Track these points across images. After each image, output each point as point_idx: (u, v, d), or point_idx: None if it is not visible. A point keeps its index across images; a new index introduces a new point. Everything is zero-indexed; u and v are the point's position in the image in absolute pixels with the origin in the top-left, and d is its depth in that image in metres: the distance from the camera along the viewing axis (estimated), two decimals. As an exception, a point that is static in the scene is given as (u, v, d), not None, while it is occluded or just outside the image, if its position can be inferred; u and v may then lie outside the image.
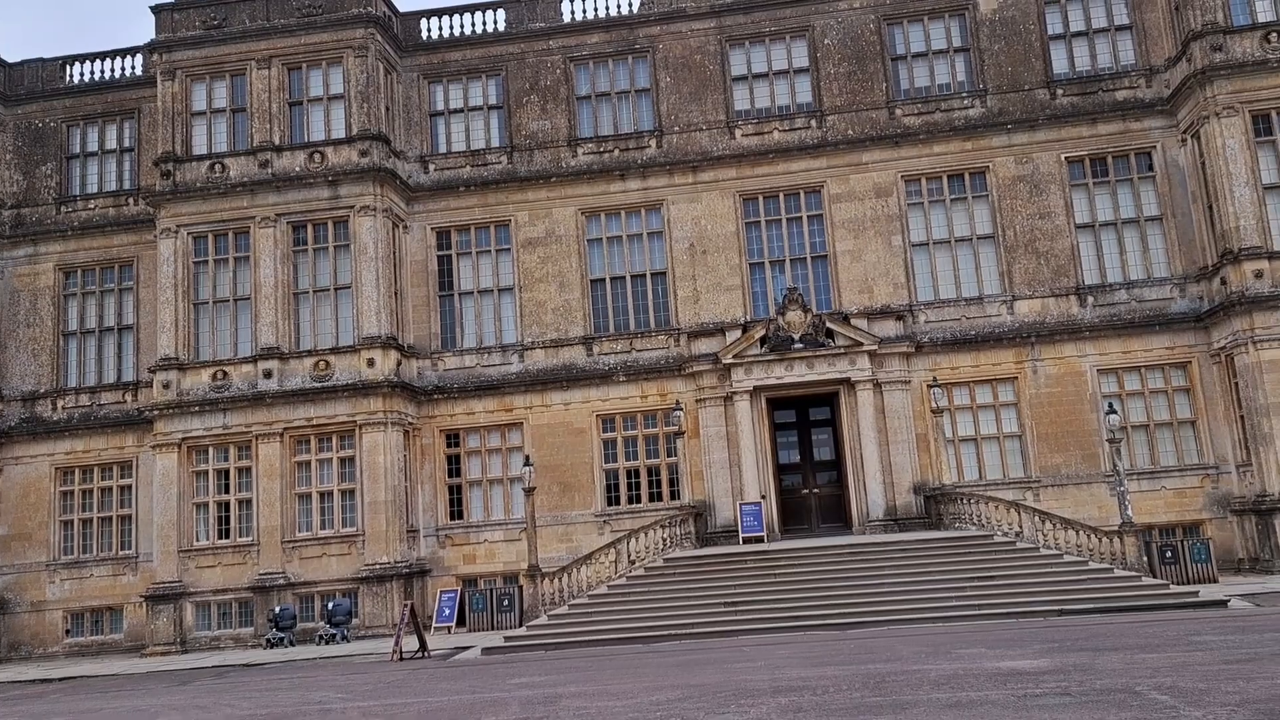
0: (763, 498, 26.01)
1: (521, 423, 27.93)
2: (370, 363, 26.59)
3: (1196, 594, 19.30)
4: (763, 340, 26.60)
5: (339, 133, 28.15)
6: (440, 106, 30.15)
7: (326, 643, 24.27)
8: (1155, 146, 26.96)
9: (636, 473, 27.57)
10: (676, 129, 28.93)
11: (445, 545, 27.58)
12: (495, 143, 29.75)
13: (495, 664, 18.01)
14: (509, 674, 16.03)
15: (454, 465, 28.20)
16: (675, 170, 28.56)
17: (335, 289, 27.49)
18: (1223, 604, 18.47)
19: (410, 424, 27.56)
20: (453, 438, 28.27)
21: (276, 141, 28.02)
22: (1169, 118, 26.83)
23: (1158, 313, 26.25)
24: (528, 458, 24.48)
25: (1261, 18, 25.59)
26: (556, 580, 22.62)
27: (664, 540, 23.91)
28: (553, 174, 28.98)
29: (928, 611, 19.36)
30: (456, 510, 27.94)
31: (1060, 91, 27.51)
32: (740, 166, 28.38)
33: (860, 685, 11.96)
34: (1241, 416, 24.77)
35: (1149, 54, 27.40)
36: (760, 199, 28.40)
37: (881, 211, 27.74)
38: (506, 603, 24.36)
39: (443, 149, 29.91)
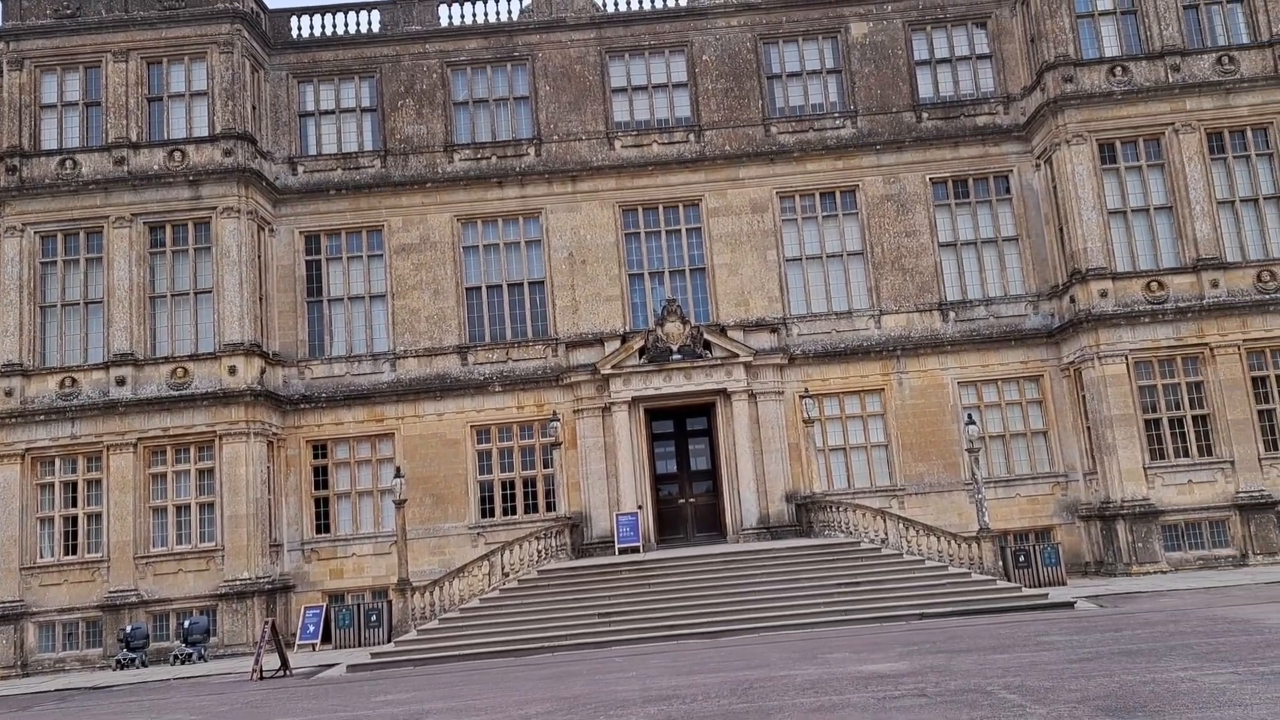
0: (639, 508, 26.08)
1: (393, 433, 27.30)
2: (232, 370, 25.56)
3: (1046, 596, 20.21)
4: (641, 351, 26.71)
5: (201, 131, 27.04)
6: (311, 107, 29.31)
7: (182, 662, 23.16)
8: (1012, 170, 28.26)
9: (512, 484, 27.27)
10: (556, 138, 28.85)
11: (311, 560, 26.70)
12: (368, 146, 29.08)
13: (360, 681, 17.49)
14: (374, 691, 15.58)
15: (321, 477, 27.35)
16: (554, 179, 28.47)
17: (196, 293, 26.34)
18: (1070, 605, 19.40)
19: (275, 434, 26.60)
20: (320, 449, 27.41)
21: (134, 138, 26.73)
22: (1025, 143, 28.18)
23: (1013, 328, 27.48)
24: (398, 469, 23.93)
25: (1108, 52, 27.13)
26: (428, 594, 22.15)
27: (539, 552, 23.70)
28: (428, 179, 28.50)
29: (798, 618, 19.71)
30: (323, 524, 27.08)
31: (926, 115, 28.59)
32: (620, 177, 28.48)
33: (729, 692, 12.06)
34: (1088, 428, 26.13)
35: (1007, 82, 28.72)
36: (640, 210, 28.56)
37: (758, 226, 28.25)
38: (375, 618, 23.71)
39: (313, 151, 29.07)
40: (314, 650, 23.89)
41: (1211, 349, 25.31)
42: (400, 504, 23.04)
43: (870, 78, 28.85)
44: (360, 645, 23.34)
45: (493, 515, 27.02)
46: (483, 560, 22.90)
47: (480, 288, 28.27)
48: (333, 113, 29.29)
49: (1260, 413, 25.18)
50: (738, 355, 26.53)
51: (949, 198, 28.29)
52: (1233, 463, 24.84)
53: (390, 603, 23.11)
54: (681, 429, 28.36)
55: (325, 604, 25.43)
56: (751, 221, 28.27)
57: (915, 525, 22.72)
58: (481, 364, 27.71)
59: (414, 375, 27.61)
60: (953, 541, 22.11)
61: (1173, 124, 26.34)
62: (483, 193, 28.50)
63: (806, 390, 26.40)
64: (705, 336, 26.65)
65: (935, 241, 28.00)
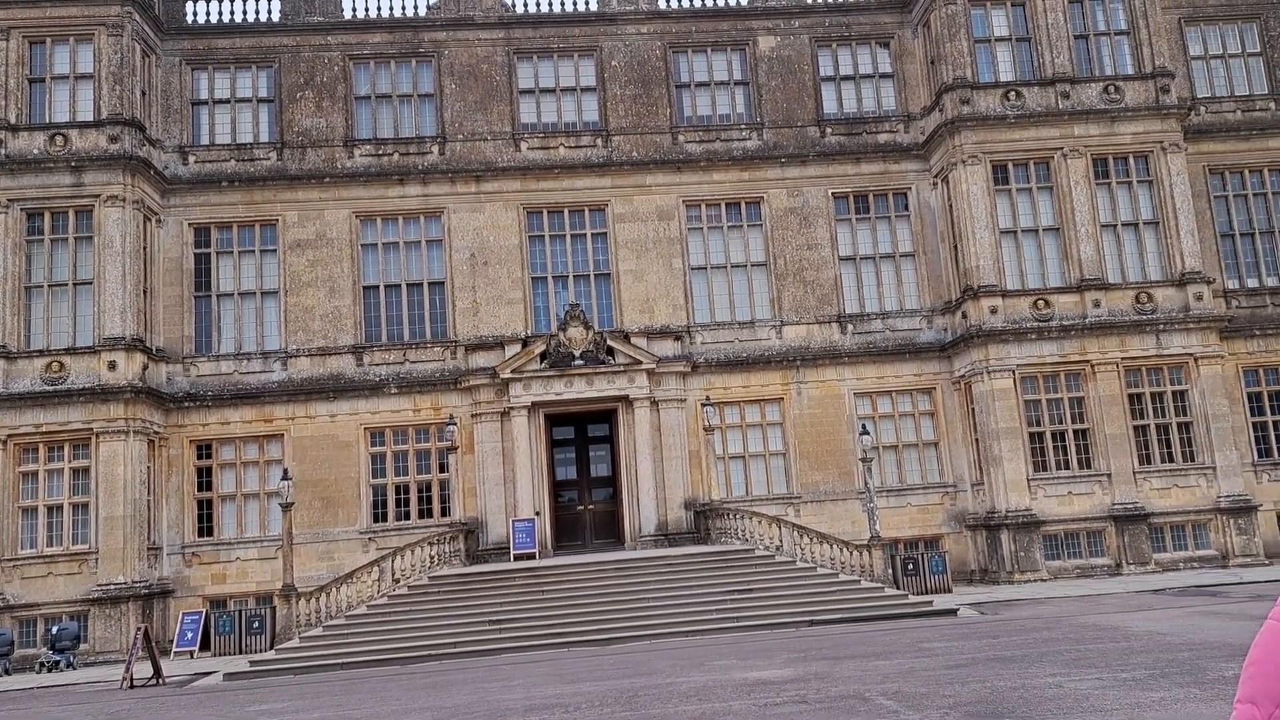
0: (537, 514, 25.81)
1: (283, 434, 26.48)
2: (112, 366, 24.47)
3: (931, 603, 20.62)
4: (543, 356, 26.47)
5: (86, 115, 25.88)
6: (205, 95, 28.34)
7: (49, 670, 22.02)
8: (911, 188, 28.90)
9: (406, 489, 26.71)
10: (461, 137, 28.45)
11: (192, 564, 25.70)
12: (264, 138, 28.24)
13: (237, 690, 16.84)
14: (249, 700, 15.01)
15: (205, 479, 26.37)
16: (458, 178, 28.06)
17: (75, 284, 25.17)
18: (953, 612, 19.82)
19: (156, 434, 25.55)
20: (204, 449, 26.44)
21: (13, 120, 25.44)
22: (923, 162, 28.85)
23: (908, 342, 28.08)
24: (286, 471, 23.18)
25: (1004, 77, 27.98)
26: (314, 600, 21.51)
27: (432, 558, 23.24)
28: (326, 174, 27.81)
29: (690, 625, 19.69)
30: (206, 527, 26.11)
31: (830, 130, 29.05)
32: (525, 179, 28.22)
33: (613, 701, 11.93)
34: (977, 439, 26.84)
35: (908, 102, 29.38)
36: (545, 213, 28.33)
37: (664, 234, 28.29)
38: (257, 625, 22.91)
39: (205, 140, 28.11)
40: (191, 658, 22.97)
41: (1093, 366, 26.25)
42: (287, 507, 22.32)
43: (777, 91, 29.18)
44: (241, 653, 22.51)
45: (385, 520, 26.42)
46: (372, 566, 22.34)
47: (378, 287, 27.67)
48: (228, 102, 28.36)
49: (1136, 428, 26.20)
50: (641, 362, 26.49)
51: (850, 212, 28.78)
52: (1110, 475, 25.78)
53: (274, 609, 22.35)
54: (583, 435, 28.20)
55: (205, 610, 24.48)
56: (658, 228, 28.30)
57: (809, 533, 22.97)
58: (378, 365, 27.11)
59: (306, 375, 26.84)
60: (845, 549, 22.41)
61: (1062, 148, 27.28)
62: (383, 190, 27.93)
63: (708, 398, 26.50)
64: (609, 342, 26.55)
65: (836, 255, 28.44)
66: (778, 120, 29.06)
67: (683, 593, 21.06)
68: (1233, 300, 28.44)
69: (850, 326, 28.09)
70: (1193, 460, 26.10)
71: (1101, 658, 12.41)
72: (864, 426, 24.67)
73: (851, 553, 22.31)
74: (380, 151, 28.25)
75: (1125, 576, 24.72)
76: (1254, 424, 27.88)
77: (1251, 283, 28.86)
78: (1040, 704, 9.53)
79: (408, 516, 26.48)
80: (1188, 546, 25.69)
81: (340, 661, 18.99)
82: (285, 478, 22.59)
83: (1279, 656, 2.32)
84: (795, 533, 22.97)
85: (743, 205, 28.74)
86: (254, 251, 27.61)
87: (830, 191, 28.67)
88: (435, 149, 28.33)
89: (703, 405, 26.23)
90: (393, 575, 22.31)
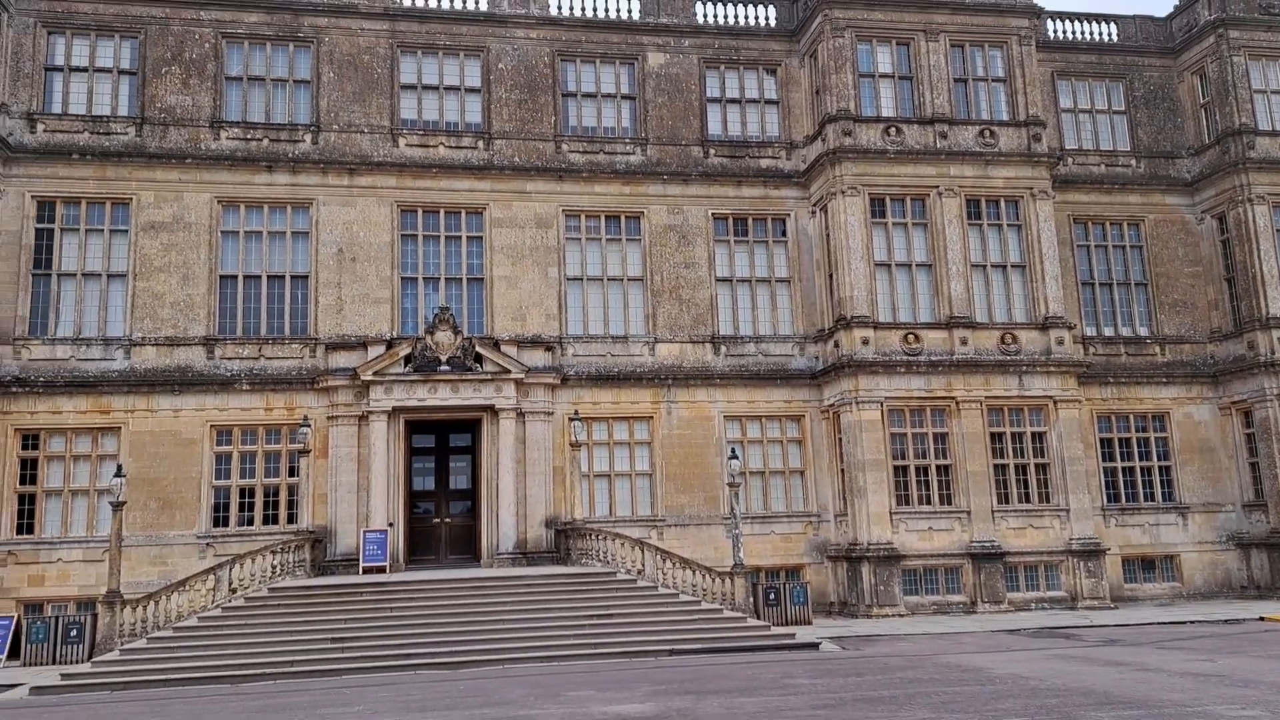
0: (390, 525, 24.69)
1: (120, 428, 24.64)
2: (-72, 344, 22.32)
3: (794, 636, 20.46)
4: (407, 359, 25.42)
5: (-82, 68, 23.69)
6: (60, 61, 26.33)
7: None
8: (790, 214, 29.04)
9: (252, 492, 25.18)
10: (336, 128, 27.21)
11: (7, 563, 23.58)
12: (123, 111, 26.41)
13: (41, 708, 15.31)
14: (51, 721, 13.60)
15: (30, 471, 24.31)
16: (330, 170, 26.80)
17: (-109, 252, 22.91)
18: (815, 646, 19.69)
19: (-24, 420, 23.43)
20: (31, 439, 24.39)
21: None
22: (803, 189, 29.03)
23: (780, 367, 28.12)
24: (120, 467, 21.49)
25: (885, 112, 28.43)
26: (140, 609, 19.94)
27: (274, 567, 21.90)
28: (189, 155, 26.14)
29: (546, 650, 18.99)
30: (27, 524, 24.04)
31: (713, 151, 28.96)
32: (401, 176, 27.16)
33: (454, 733, 11.16)
34: (843, 470, 27.02)
35: (791, 129, 29.56)
36: (420, 212, 27.32)
37: (541, 242, 27.64)
38: (75, 633, 21.04)
39: (57, 109, 26.10)
40: (-3, 668, 20.96)
41: (958, 403, 26.78)
42: (118, 506, 20.67)
43: (663, 108, 28.95)
44: (55, 663, 20.62)
45: (227, 525, 24.83)
46: (208, 574, 20.87)
47: (237, 277, 26.13)
48: (85, 70, 26.44)
49: (996, 467, 26.81)
50: (509, 371, 25.71)
51: (729, 234, 28.71)
52: (969, 513, 26.29)
53: (95, 616, 20.60)
54: (444, 445, 27.18)
55: (17, 615, 22.46)
56: (535, 236, 27.63)
57: (673, 558, 22.57)
58: (230, 359, 25.55)
59: (151, 365, 25.08)
60: (707, 576, 22.09)
61: (938, 186, 27.86)
62: (249, 176, 26.44)
63: (577, 413, 25.88)
64: (477, 349, 25.69)
65: (713, 275, 28.31)
66: (662, 137, 28.82)
67: (540, 615, 20.35)
68: (1090, 347, 29.53)
69: (724, 348, 27.96)
70: (1048, 501, 26.86)
71: (970, 701, 12.32)
72: (733, 450, 24.48)
73: (714, 580, 22.00)
74: (249, 136, 26.76)
75: (980, 614, 25.14)
76: (1105, 469, 28.92)
77: (1108, 331, 30.03)
78: (896, 750, 9.23)
79: (252, 522, 24.96)
80: (1040, 587, 26.36)
81: (164, 678, 17.56)
82: (118, 474, 20.94)
83: None
84: (658, 557, 22.54)
85: (623, 219, 28.35)
86: (103, 230, 25.72)
87: (711, 212, 28.55)
88: (308, 138, 27.01)
89: (571, 419, 25.57)
90: (230, 584, 20.91)
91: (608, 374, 27.10)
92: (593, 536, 23.71)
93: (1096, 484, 28.46)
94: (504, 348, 26.12)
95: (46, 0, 26.27)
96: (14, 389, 24.19)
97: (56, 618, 21.59)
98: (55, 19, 26.29)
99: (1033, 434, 27.18)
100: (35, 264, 25.19)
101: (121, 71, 26.64)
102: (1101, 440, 29.06)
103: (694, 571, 22.18)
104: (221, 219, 26.28)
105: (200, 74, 26.77)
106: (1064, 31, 31.62)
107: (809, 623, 23.50)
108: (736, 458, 23.81)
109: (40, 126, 25.75)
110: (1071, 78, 31.29)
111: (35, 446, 24.40)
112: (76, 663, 20.10)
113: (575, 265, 27.89)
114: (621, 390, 27.11)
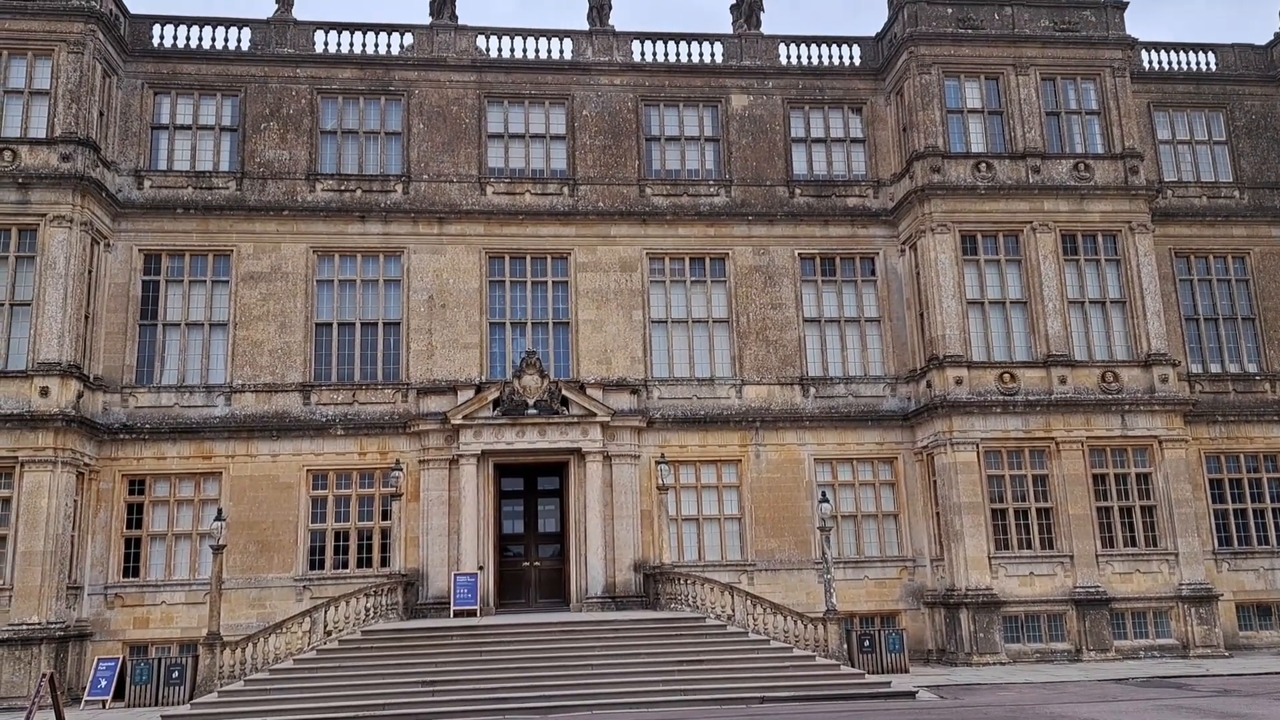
0: (480, 568, 24.80)
1: (220, 473, 25.32)
2: (44, 392, 23.30)
3: (889, 684, 19.84)
4: (496, 403, 25.67)
5: (39, 132, 25.00)
6: (165, 120, 27.53)
7: (-55, 717, 20.52)
8: (879, 253, 28.65)
9: (346, 535, 25.58)
10: (425, 177, 27.85)
11: (115, 606, 24.32)
12: (224, 166, 27.45)
13: (145, 749, 15.62)
14: (155, 763, 13.83)
15: (135, 515, 25.10)
16: (420, 219, 27.39)
17: (12, 305, 24.07)
18: (912, 695, 19.07)
19: (87, 465, 24.31)
20: (137, 484, 25.20)
21: (-42, 131, 24.48)
22: (892, 228, 28.65)
23: (871, 409, 27.60)
24: (220, 511, 22.04)
25: (975, 148, 27.96)
26: (239, 650, 20.30)
27: (368, 610, 22.15)
28: (286, 207, 27.01)
29: (636, 696, 18.74)
30: (133, 567, 24.79)
31: (798, 191, 28.81)
32: (489, 224, 27.62)
33: (547, 783, 11.01)
34: (938, 513, 26.30)
35: (878, 167, 29.26)
36: (507, 258, 27.72)
37: (625, 285, 27.75)
38: (176, 675, 21.57)
39: (163, 165, 27.25)
40: (104, 708, 21.57)
41: (1057, 443, 25.90)
42: (219, 549, 21.16)
43: (747, 149, 28.95)
44: (157, 704, 21.17)
45: (322, 568, 25.24)
46: (304, 616, 21.18)
47: (331, 324, 26.78)
48: (189, 128, 27.58)
49: (1099, 509, 25.80)
50: (595, 414, 25.74)
51: (816, 274, 28.44)
52: (1072, 557, 25.30)
53: (196, 658, 21.06)
54: (532, 488, 27.30)
55: (123, 656, 23.10)
56: (619, 280, 27.75)
57: (763, 603, 22.15)
58: (325, 405, 26.12)
59: (250, 412, 25.78)
60: (799, 622, 21.60)
61: (1031, 222, 27.22)
62: (343, 226, 27.18)
63: (663, 456, 25.74)
64: (563, 392, 25.81)
65: (800, 316, 28.03)
66: (746, 178, 28.79)
67: (630, 661, 20.12)
68: (1196, 384, 28.33)
69: (812, 390, 27.58)
70: (1155, 545, 25.72)
71: (1070, 756, 11.72)
72: (823, 494, 23.99)
73: (806, 626, 21.50)
74: (343, 187, 27.56)
75: (1085, 663, 24.11)
76: (1215, 511, 27.61)
77: (1215, 368, 28.80)
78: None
79: (346, 565, 25.34)
80: (1148, 634, 25.17)
81: (261, 720, 17.81)
82: (219, 518, 21.46)
83: None
84: (749, 602, 22.15)
85: (707, 261, 28.32)
86: (205, 281, 26.67)
87: (797, 252, 28.34)
88: (399, 188, 27.69)
89: (657, 463, 25.43)
90: (325, 627, 21.17)
91: (694, 417, 26.94)
92: (681, 581, 23.44)
93: (1207, 527, 27.16)
94: (589, 391, 26.18)
95: (153, 62, 27.54)
96: (121, 435, 25.08)
97: (159, 659, 22.19)
98: (161, 80, 27.54)
99: (1137, 475, 26.13)
100: (142, 315, 26.20)
101: (223, 128, 27.74)
102: (1211, 481, 27.76)
103: (785, 617, 21.72)
104: (317, 268, 27.02)
105: (296, 129, 27.72)
106: (1159, 62, 30.79)
107: (905, 671, 22.80)
108: (827, 501, 23.32)
109: (147, 183, 26.90)
110: (1169, 109, 30.39)
111: (141, 492, 25.21)
112: (178, 704, 20.57)
113: (660, 308, 27.90)
114: (708, 433, 26.89)
